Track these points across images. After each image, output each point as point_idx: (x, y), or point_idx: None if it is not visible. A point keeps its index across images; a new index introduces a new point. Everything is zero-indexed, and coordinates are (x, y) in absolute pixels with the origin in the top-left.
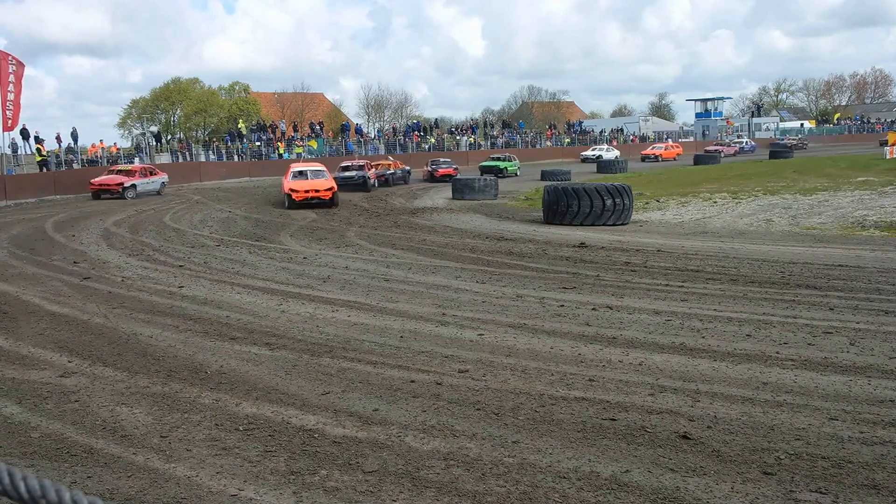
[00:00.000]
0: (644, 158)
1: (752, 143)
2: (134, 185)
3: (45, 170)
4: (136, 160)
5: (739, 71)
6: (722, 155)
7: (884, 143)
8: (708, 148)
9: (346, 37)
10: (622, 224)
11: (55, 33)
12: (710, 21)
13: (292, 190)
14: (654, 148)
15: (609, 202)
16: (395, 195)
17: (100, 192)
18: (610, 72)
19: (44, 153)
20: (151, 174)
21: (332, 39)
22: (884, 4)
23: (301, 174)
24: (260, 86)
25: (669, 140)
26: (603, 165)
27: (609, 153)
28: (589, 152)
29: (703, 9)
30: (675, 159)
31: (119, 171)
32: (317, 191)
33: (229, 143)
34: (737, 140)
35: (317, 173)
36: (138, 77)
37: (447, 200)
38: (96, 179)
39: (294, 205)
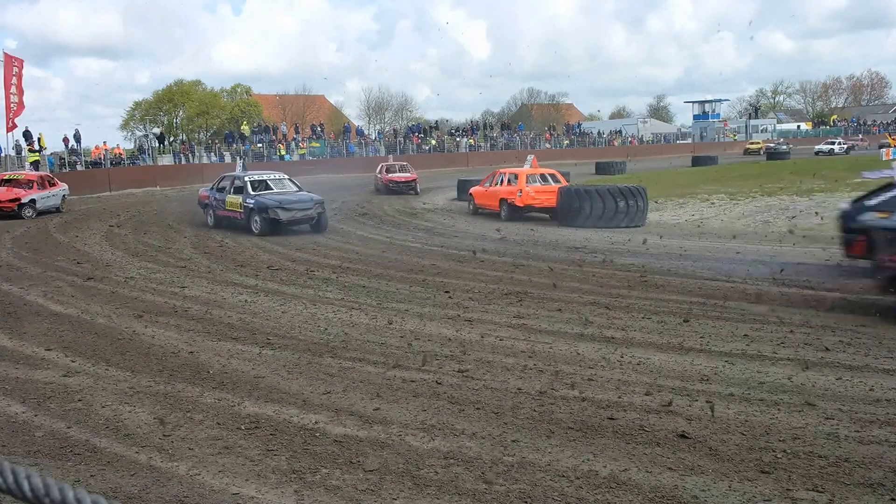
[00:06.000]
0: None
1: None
2: (33, 201)
3: (37, 170)
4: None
5: (741, 73)
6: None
7: (884, 146)
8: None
9: (352, 39)
10: (636, 226)
11: (66, 35)
12: (713, 23)
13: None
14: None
15: (622, 204)
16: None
17: None
18: (612, 74)
19: (34, 152)
20: (51, 184)
21: (337, 41)
22: (885, 6)
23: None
24: (267, 88)
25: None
26: (601, 166)
27: None
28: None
29: (705, 11)
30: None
31: (9, 182)
32: None
33: (231, 145)
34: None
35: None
36: (146, 79)
37: (448, 201)
38: None
39: None
